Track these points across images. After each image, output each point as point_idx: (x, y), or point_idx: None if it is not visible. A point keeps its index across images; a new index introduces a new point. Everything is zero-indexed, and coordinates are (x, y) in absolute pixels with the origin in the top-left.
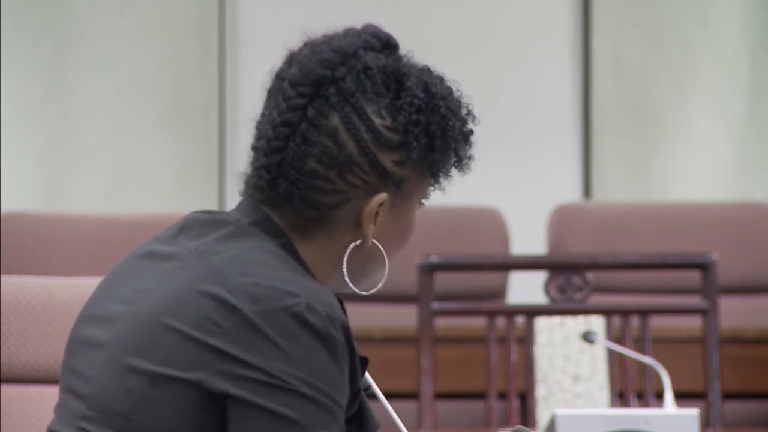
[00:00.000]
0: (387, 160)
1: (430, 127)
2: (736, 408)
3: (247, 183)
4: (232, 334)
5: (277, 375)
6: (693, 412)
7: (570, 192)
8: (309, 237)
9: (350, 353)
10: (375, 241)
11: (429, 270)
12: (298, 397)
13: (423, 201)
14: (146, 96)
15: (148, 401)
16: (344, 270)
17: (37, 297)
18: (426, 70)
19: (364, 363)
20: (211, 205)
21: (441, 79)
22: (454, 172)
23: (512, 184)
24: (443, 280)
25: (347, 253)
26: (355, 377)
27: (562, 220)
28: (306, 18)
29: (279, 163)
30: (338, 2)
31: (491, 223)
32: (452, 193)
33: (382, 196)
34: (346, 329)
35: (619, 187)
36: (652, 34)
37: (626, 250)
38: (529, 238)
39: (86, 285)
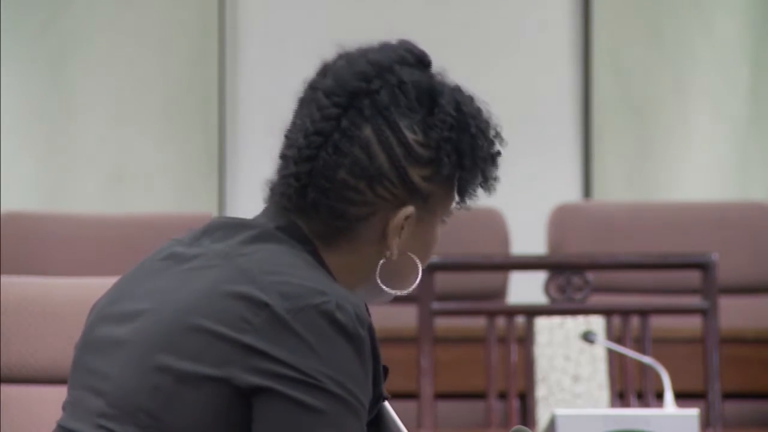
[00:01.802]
0: (416, 174)
1: (461, 146)
2: (736, 408)
3: (273, 190)
4: (263, 330)
5: (306, 371)
6: (693, 412)
7: (570, 192)
8: (334, 246)
9: (374, 355)
10: (406, 253)
11: (429, 270)
12: (325, 394)
13: (445, 219)
14: (146, 96)
15: (176, 399)
16: (378, 281)
17: (37, 297)
18: (458, 89)
19: (385, 372)
20: (211, 206)
21: (471, 99)
22: (479, 191)
23: (512, 184)
24: (443, 280)
25: (378, 269)
26: (378, 380)
27: (562, 220)
28: (306, 19)
29: (309, 172)
30: (338, 4)
31: (491, 223)
32: None
33: (409, 209)
34: (371, 330)
35: (619, 187)
36: (652, 34)
37: (626, 250)
38: (529, 238)
39: (86, 285)
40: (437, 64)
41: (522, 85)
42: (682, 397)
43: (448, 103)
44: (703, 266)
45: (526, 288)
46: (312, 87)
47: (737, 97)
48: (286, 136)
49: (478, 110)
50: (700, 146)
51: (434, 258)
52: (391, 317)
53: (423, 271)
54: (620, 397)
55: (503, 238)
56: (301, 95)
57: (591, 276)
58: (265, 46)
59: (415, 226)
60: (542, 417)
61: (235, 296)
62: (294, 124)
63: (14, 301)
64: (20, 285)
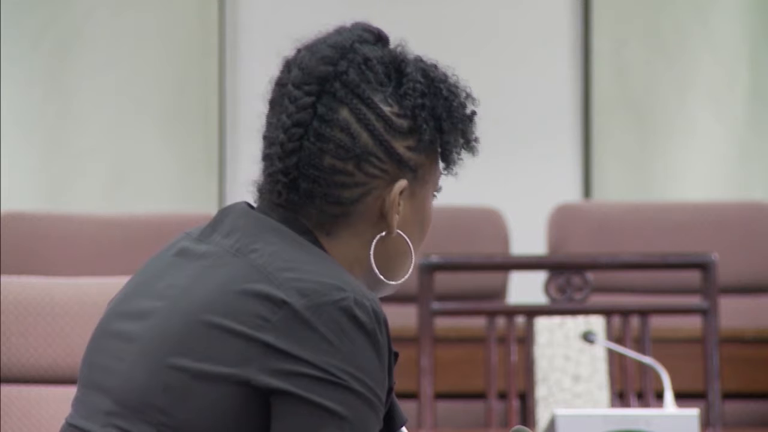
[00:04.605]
0: (401, 146)
1: (436, 110)
2: (736, 408)
3: (261, 191)
4: (281, 328)
5: (326, 369)
6: (693, 412)
7: (570, 192)
8: (333, 234)
9: (388, 349)
10: (399, 231)
11: (429, 270)
12: (346, 392)
13: (436, 193)
14: (146, 96)
15: (190, 397)
16: (372, 261)
17: (37, 297)
18: (420, 59)
19: (396, 357)
20: (211, 206)
21: (436, 66)
22: (464, 154)
23: (512, 184)
24: (443, 280)
25: (373, 245)
26: (390, 373)
27: (562, 220)
28: (306, 18)
29: (296, 165)
30: (338, 2)
31: (491, 223)
32: (452, 193)
33: (403, 182)
34: (387, 325)
35: (619, 187)
36: (652, 34)
37: (626, 250)
38: (529, 238)
39: (86, 285)
40: (435, 59)
41: (522, 84)
42: (682, 397)
43: (415, 71)
44: (703, 266)
45: (526, 288)
46: (279, 84)
47: (737, 97)
48: (265, 137)
49: (445, 75)
50: (700, 146)
51: (434, 258)
52: (391, 317)
53: (423, 270)
54: (620, 397)
55: (503, 238)
56: (270, 96)
57: (591, 276)
58: (265, 45)
59: (410, 200)
60: (542, 417)
61: (251, 294)
62: (269, 124)
63: (14, 301)
64: (20, 285)
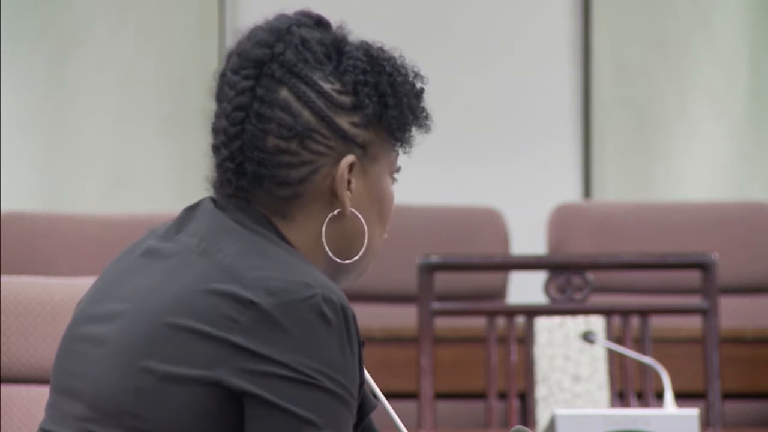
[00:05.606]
0: (345, 122)
1: (380, 86)
2: (736, 408)
3: (214, 186)
4: (251, 328)
5: (297, 368)
6: (693, 412)
7: (570, 192)
8: (289, 218)
9: (358, 343)
10: (354, 211)
11: (429, 270)
12: (318, 391)
13: (395, 175)
14: (146, 96)
15: (161, 400)
16: (323, 241)
17: (37, 297)
18: (364, 41)
19: (361, 346)
20: None
21: (381, 48)
22: (414, 130)
23: (512, 184)
24: (443, 280)
25: (325, 224)
26: (361, 368)
27: (562, 220)
28: None
29: (240, 148)
30: (338, 4)
31: (491, 223)
32: (452, 193)
33: (350, 157)
34: (355, 320)
35: (619, 187)
36: (652, 34)
37: (626, 250)
38: (529, 238)
39: (86, 285)
40: (436, 60)
41: (522, 84)
42: (682, 397)
43: (356, 50)
44: (703, 266)
45: (526, 288)
46: (221, 75)
47: (737, 97)
48: (212, 129)
49: (391, 55)
50: (700, 146)
51: (434, 258)
52: (391, 317)
53: (423, 270)
54: (620, 397)
55: (503, 238)
56: (215, 90)
57: (591, 276)
58: None
59: (362, 178)
60: (542, 417)
61: (218, 294)
62: (216, 116)
63: (14, 301)
64: (20, 285)
